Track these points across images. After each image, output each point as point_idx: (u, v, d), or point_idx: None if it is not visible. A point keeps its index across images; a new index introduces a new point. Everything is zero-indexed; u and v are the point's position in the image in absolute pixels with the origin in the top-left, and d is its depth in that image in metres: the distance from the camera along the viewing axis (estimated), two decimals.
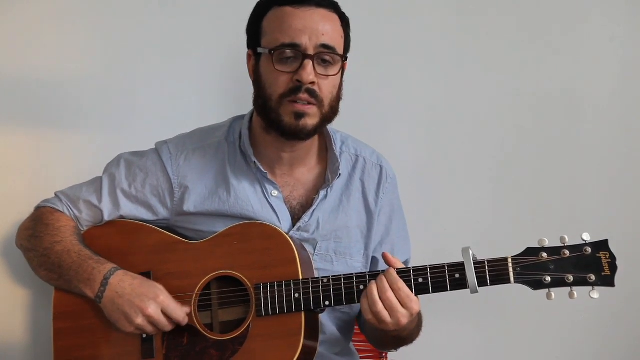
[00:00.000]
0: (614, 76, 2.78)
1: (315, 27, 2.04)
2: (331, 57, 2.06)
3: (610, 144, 2.76)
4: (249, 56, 2.15)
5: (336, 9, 2.11)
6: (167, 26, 2.66)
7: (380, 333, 2.06)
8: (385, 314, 1.95)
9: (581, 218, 2.72)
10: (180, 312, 2.06)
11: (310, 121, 2.07)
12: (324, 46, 2.05)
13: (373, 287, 1.96)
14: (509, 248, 1.98)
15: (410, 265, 2.11)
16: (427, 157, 2.76)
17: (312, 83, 2.04)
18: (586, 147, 2.77)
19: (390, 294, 1.94)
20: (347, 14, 2.13)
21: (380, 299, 1.95)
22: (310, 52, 2.03)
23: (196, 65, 2.68)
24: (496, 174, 2.77)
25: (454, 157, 2.76)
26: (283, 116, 2.06)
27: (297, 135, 2.08)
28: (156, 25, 2.66)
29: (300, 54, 2.03)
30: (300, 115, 2.05)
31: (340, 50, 2.09)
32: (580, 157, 2.77)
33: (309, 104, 2.05)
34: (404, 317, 1.96)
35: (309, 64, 2.03)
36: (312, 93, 2.05)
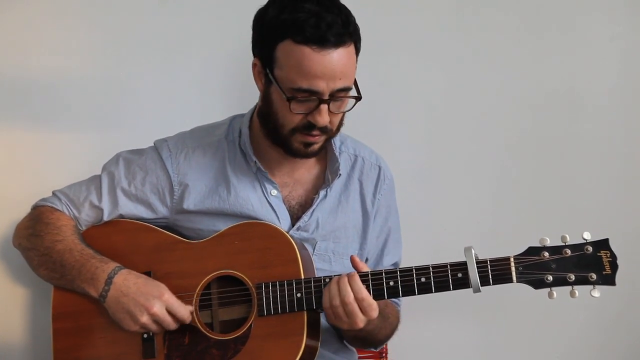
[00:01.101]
0: (614, 76, 2.77)
1: (333, 72, 1.99)
2: (345, 94, 2.05)
3: (610, 144, 2.75)
4: (254, 65, 2.10)
5: (350, 34, 2.03)
6: (168, 25, 2.65)
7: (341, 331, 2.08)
8: (341, 311, 1.96)
9: (582, 217, 2.71)
10: (185, 311, 2.06)
11: (318, 146, 2.10)
12: (340, 90, 2.02)
13: (334, 286, 1.97)
14: (509, 247, 1.98)
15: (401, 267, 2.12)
16: (427, 157, 2.76)
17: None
18: (586, 147, 2.76)
19: (351, 301, 1.95)
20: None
21: (340, 303, 1.96)
22: (326, 96, 2.01)
23: (196, 64, 2.67)
24: (497, 174, 2.76)
25: (454, 157, 2.75)
26: (293, 143, 2.08)
27: (304, 157, 2.12)
28: (156, 25, 2.65)
29: (316, 99, 2.01)
30: (310, 145, 2.08)
31: (352, 82, 2.06)
32: (580, 156, 2.76)
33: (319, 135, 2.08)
34: (361, 321, 1.97)
35: (324, 108, 2.02)
36: (324, 130, 2.06)
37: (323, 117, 2.02)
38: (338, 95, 2.02)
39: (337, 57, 1.99)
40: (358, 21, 2.10)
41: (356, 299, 1.95)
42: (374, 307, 1.97)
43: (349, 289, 1.96)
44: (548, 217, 2.72)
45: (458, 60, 2.75)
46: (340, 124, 2.12)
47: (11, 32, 2.58)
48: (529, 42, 2.76)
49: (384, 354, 2.51)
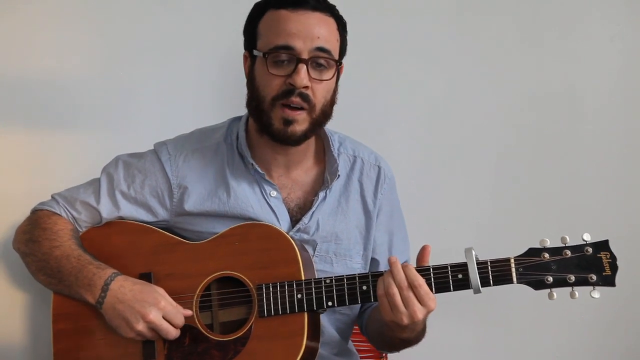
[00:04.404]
0: (614, 76, 2.78)
1: (310, 31, 2.03)
2: (326, 61, 2.06)
3: (610, 144, 2.76)
4: (245, 58, 2.16)
5: (332, 12, 2.10)
6: (166, 27, 2.66)
7: (389, 332, 2.04)
8: (398, 299, 1.92)
9: (582, 218, 2.71)
10: (181, 318, 2.05)
11: (299, 127, 2.07)
12: (319, 49, 2.04)
13: (388, 275, 1.94)
14: (509, 248, 1.98)
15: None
16: (427, 157, 2.76)
17: (306, 87, 2.04)
18: (586, 147, 2.77)
19: (406, 287, 1.92)
20: (345, 14, 2.13)
21: (397, 289, 1.92)
22: (305, 56, 2.03)
23: (194, 65, 2.68)
24: (497, 174, 2.77)
25: (455, 158, 2.76)
26: (273, 120, 2.07)
27: (286, 141, 2.09)
28: (154, 26, 2.66)
29: (294, 58, 2.03)
30: (289, 122, 2.06)
31: (335, 54, 2.09)
32: (580, 157, 2.77)
33: (301, 108, 2.05)
34: (420, 311, 1.93)
35: (302, 67, 2.03)
36: (304, 97, 2.05)
37: (301, 77, 2.02)
38: (318, 56, 2.04)
39: (314, 19, 2.04)
40: (359, 22, 2.13)
41: (412, 285, 1.92)
42: (431, 296, 1.93)
43: (402, 275, 1.93)
44: (548, 218, 2.72)
45: (458, 60, 2.76)
46: (327, 103, 2.10)
47: (11, 33, 2.58)
48: (529, 42, 2.77)
49: (383, 355, 2.51)
